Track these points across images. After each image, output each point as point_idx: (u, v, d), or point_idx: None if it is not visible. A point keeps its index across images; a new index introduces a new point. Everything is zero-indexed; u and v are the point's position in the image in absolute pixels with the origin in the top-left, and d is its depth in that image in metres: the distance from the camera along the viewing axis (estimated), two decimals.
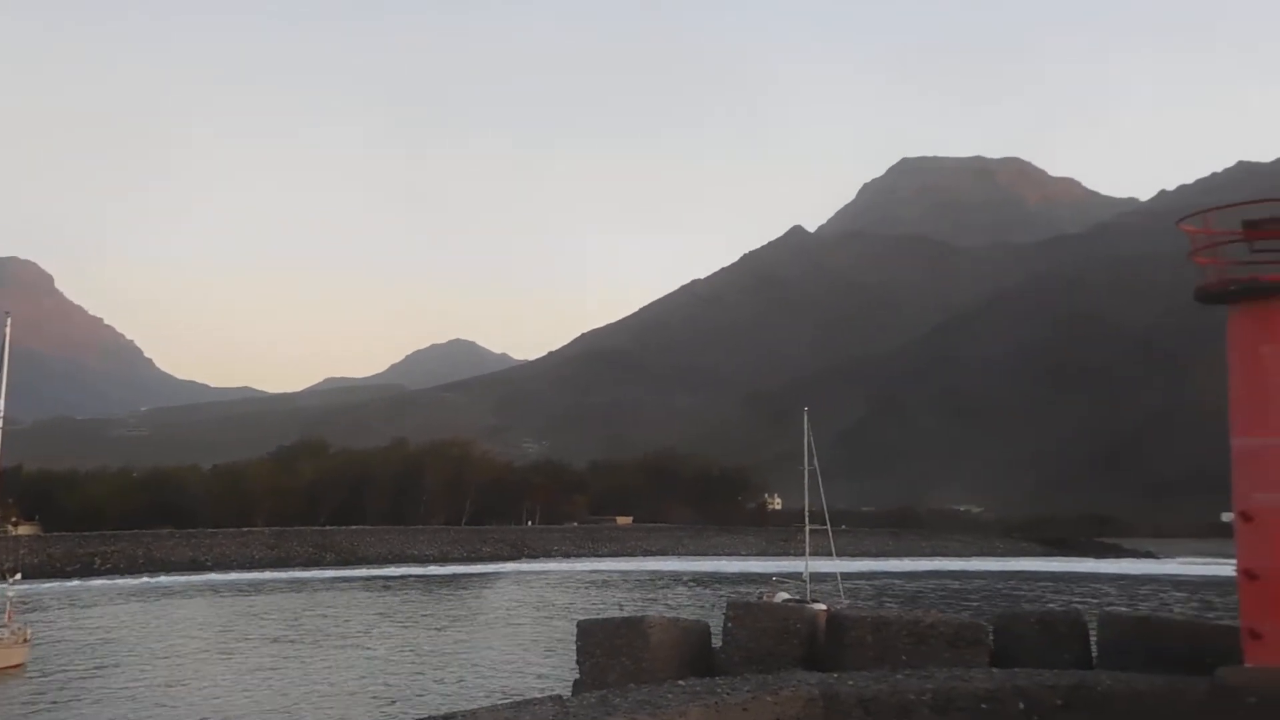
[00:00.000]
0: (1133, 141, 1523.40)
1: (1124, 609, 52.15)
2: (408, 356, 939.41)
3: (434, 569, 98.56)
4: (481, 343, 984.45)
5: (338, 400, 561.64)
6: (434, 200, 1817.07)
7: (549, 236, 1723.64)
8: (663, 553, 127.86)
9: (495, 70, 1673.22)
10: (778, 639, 15.47)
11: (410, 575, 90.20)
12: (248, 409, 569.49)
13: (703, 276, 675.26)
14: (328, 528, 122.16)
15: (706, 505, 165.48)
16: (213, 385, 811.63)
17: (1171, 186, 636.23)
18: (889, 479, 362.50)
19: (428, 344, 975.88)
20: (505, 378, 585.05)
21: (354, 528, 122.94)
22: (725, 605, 16.40)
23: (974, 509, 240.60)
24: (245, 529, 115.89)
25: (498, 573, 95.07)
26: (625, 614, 18.34)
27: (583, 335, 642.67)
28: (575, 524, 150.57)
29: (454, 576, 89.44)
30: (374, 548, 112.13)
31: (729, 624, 15.80)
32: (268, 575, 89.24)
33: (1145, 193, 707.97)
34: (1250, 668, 13.51)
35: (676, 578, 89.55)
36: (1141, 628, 16.06)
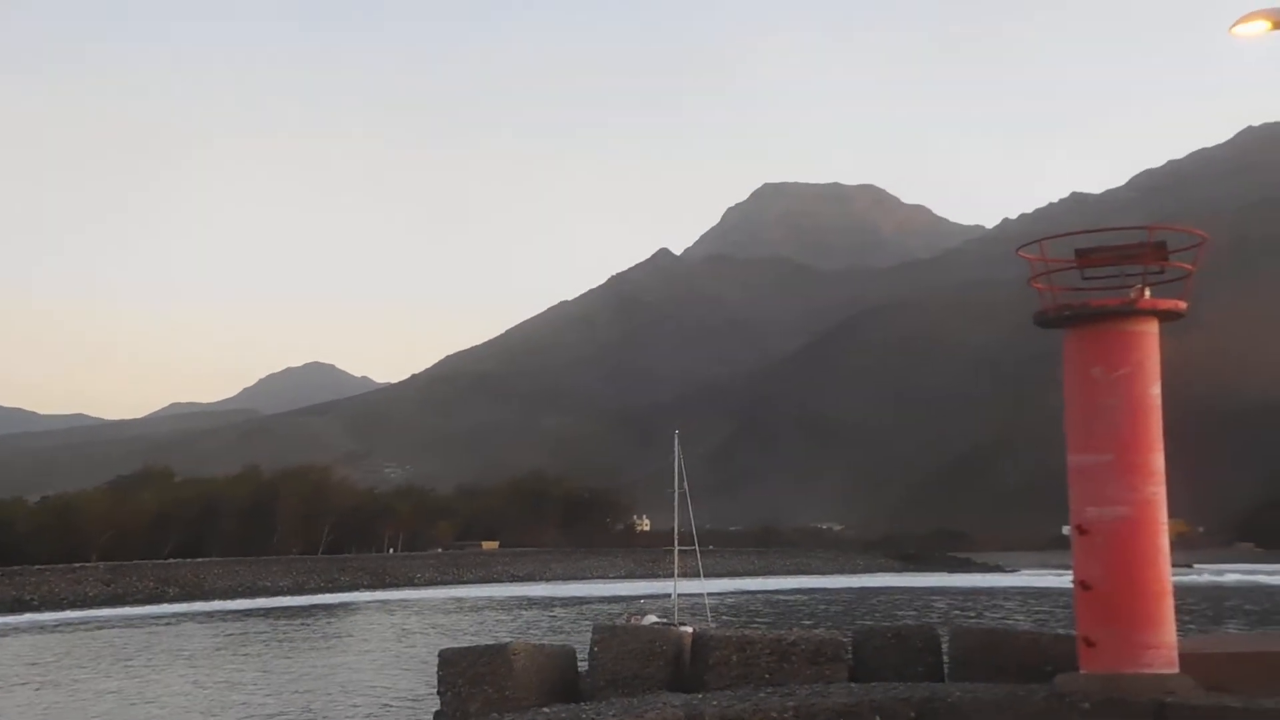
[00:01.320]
0: (977, 172, 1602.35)
1: (973, 622, 54.23)
2: (261, 380, 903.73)
3: (288, 600, 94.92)
4: (341, 365, 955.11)
5: (184, 426, 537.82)
6: (288, 218, 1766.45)
7: (411, 257, 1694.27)
8: (530, 577, 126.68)
9: (351, 79, 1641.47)
10: (643, 662, 15.49)
11: (262, 608, 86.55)
12: (82, 437, 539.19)
13: (571, 298, 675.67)
14: (171, 561, 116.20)
15: (575, 528, 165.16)
16: (41, 412, 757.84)
17: (1014, 215, 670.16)
18: (753, 499, 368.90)
19: (282, 367, 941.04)
20: (366, 401, 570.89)
21: (200, 560, 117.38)
22: (591, 629, 16.36)
23: (835, 527, 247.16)
24: (77, 565, 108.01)
25: (356, 602, 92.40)
26: (488, 641, 18.04)
27: (448, 357, 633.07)
28: (439, 550, 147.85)
29: (310, 607, 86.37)
30: (222, 580, 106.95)
31: (595, 648, 15.73)
32: (103, 613, 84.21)
33: (990, 220, 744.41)
34: (1085, 674, 14.23)
35: (543, 602, 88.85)
36: (988, 639, 16.75)
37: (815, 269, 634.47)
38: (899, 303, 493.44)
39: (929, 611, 74.39)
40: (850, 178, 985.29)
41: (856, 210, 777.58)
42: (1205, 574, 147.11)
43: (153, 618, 78.21)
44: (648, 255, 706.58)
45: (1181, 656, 14.27)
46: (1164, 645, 14.18)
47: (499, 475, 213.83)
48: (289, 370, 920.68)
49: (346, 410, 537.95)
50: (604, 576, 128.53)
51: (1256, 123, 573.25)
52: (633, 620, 40.55)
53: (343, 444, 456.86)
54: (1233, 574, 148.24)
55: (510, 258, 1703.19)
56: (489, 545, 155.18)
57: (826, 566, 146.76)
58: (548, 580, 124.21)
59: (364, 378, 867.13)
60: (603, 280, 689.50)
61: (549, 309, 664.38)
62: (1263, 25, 10.64)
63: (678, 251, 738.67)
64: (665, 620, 41.68)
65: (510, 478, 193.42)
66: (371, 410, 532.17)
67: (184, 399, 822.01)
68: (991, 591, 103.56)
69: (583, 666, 16.21)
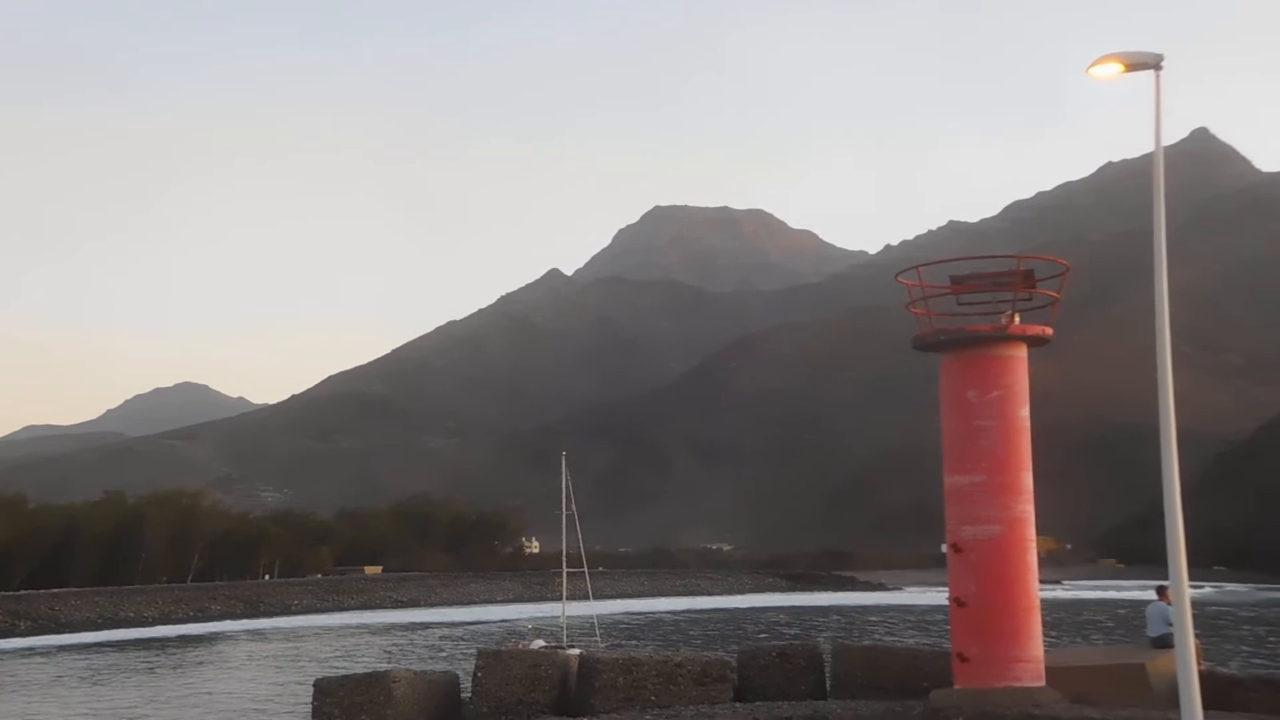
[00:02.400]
0: (862, 199, 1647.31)
1: (855, 640, 55.24)
2: (127, 402, 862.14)
3: (154, 631, 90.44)
4: (215, 386, 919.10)
5: (39, 450, 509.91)
6: (157, 227, 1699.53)
7: (292, 275, 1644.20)
8: (414, 603, 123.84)
9: (229, 103, 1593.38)
10: (528, 686, 15.36)
11: (124, 639, 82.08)
12: None
13: (459, 318, 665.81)
14: (22, 592, 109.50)
15: (462, 552, 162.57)
16: None
17: (895, 241, 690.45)
18: (644, 520, 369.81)
19: (151, 388, 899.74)
20: (242, 423, 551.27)
21: (56, 591, 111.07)
22: (476, 654, 16.09)
23: (724, 547, 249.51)
24: None
25: (228, 631, 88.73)
26: (367, 669, 17.57)
27: (330, 378, 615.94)
28: (319, 576, 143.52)
29: (177, 638, 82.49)
30: (80, 611, 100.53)
31: (478, 674, 15.53)
32: None
33: (874, 246, 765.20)
34: (959, 690, 14.66)
35: (427, 628, 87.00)
36: (869, 657, 17.15)
37: (705, 291, 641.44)
38: (787, 325, 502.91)
39: (814, 630, 75.55)
40: (739, 202, 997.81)
41: (745, 234, 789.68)
42: (1072, 589, 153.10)
43: (4, 651, 73.75)
44: (538, 276, 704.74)
45: (1047, 670, 14.83)
46: (1032, 659, 14.70)
47: (383, 499, 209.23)
48: (158, 391, 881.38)
49: (220, 432, 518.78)
50: (491, 600, 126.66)
51: (1116, 158, 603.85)
52: (520, 645, 40.10)
53: (216, 467, 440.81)
54: (1097, 590, 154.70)
55: (396, 277, 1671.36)
56: (372, 570, 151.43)
57: (715, 587, 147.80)
58: (432, 605, 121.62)
59: (240, 398, 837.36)
60: (492, 300, 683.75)
61: (436, 329, 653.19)
62: (1116, 68, 11.24)
63: (569, 272, 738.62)
64: (553, 644, 41.36)
65: (394, 501, 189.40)
66: (247, 432, 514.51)
67: (40, 421, 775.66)
68: (875, 610, 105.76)
69: (466, 694, 15.95)
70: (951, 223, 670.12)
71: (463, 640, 71.47)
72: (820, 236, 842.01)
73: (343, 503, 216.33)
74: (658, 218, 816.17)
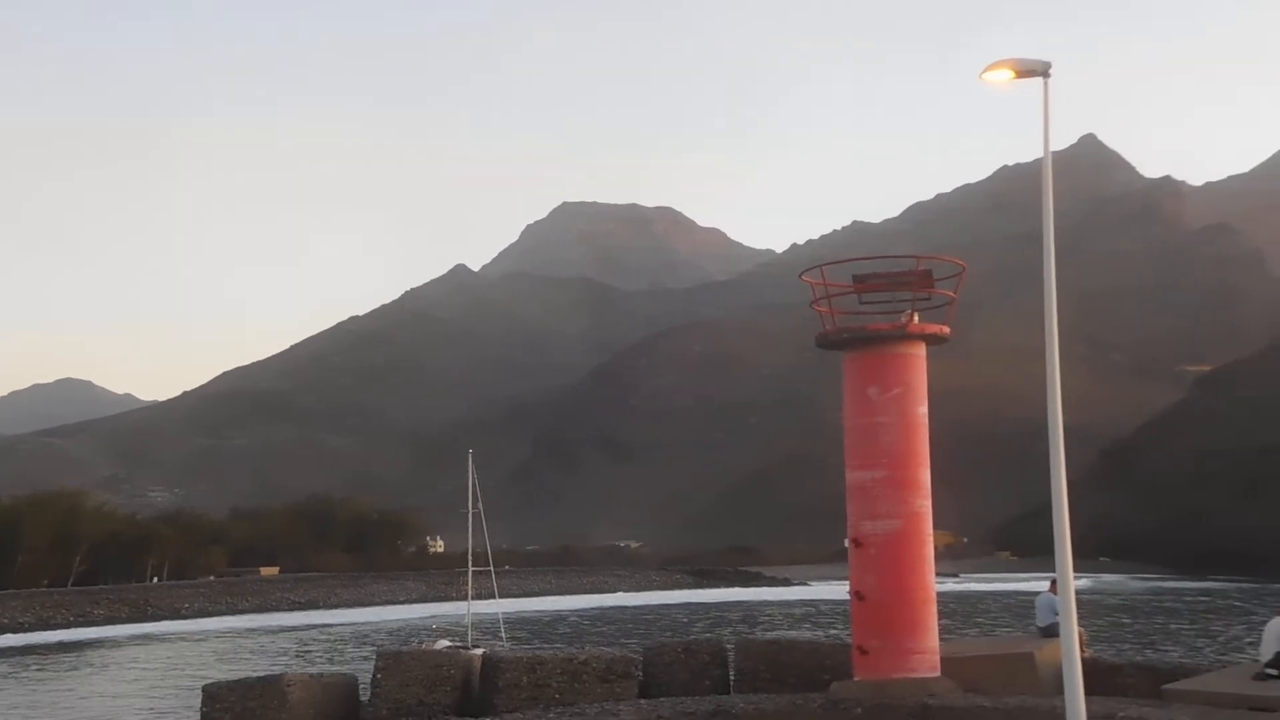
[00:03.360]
0: (768, 198, 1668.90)
1: (759, 634, 55.93)
2: (3, 398, 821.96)
3: (30, 637, 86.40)
4: (99, 381, 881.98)
5: None
6: (38, 219, 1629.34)
7: (183, 267, 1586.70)
8: (313, 604, 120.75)
9: (105, 96, 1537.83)
10: (429, 687, 15.16)
11: None
12: None
13: (362, 313, 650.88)
14: None
15: (364, 552, 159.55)
16: None
17: (801, 241, 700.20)
18: (553, 518, 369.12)
19: (29, 384, 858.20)
20: (129, 420, 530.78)
21: None
22: (375, 656, 15.83)
23: (633, 544, 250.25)
24: None
25: (113, 637, 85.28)
26: (260, 673, 17.09)
27: (224, 374, 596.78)
28: (211, 578, 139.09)
29: (56, 644, 79.08)
30: None
31: (378, 675, 15.28)
32: None
33: (780, 245, 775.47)
34: (858, 681, 14.95)
35: (326, 630, 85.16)
36: (771, 650, 17.36)
37: (615, 288, 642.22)
38: (696, 323, 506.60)
39: (719, 626, 76.27)
40: (648, 200, 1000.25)
41: (655, 232, 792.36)
42: (968, 582, 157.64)
43: None
44: (444, 271, 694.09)
45: (943, 661, 15.22)
46: (928, 650, 15.06)
47: (280, 498, 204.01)
48: (37, 387, 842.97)
49: (104, 430, 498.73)
50: (394, 601, 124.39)
51: (1011, 162, 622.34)
52: (423, 645, 39.55)
53: (100, 467, 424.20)
54: (991, 582, 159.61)
55: (296, 272, 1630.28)
56: (268, 571, 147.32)
57: (623, 584, 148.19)
58: (332, 607, 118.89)
59: (126, 395, 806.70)
60: (396, 296, 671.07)
61: (337, 325, 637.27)
62: (1007, 74, 11.51)
63: (475, 268, 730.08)
64: (457, 643, 40.88)
65: (292, 501, 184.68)
66: (134, 430, 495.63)
67: None
68: (780, 605, 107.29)
69: (366, 695, 15.67)
70: (855, 223, 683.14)
71: (363, 642, 70.20)
72: (728, 235, 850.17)
73: (237, 503, 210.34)
74: (567, 214, 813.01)
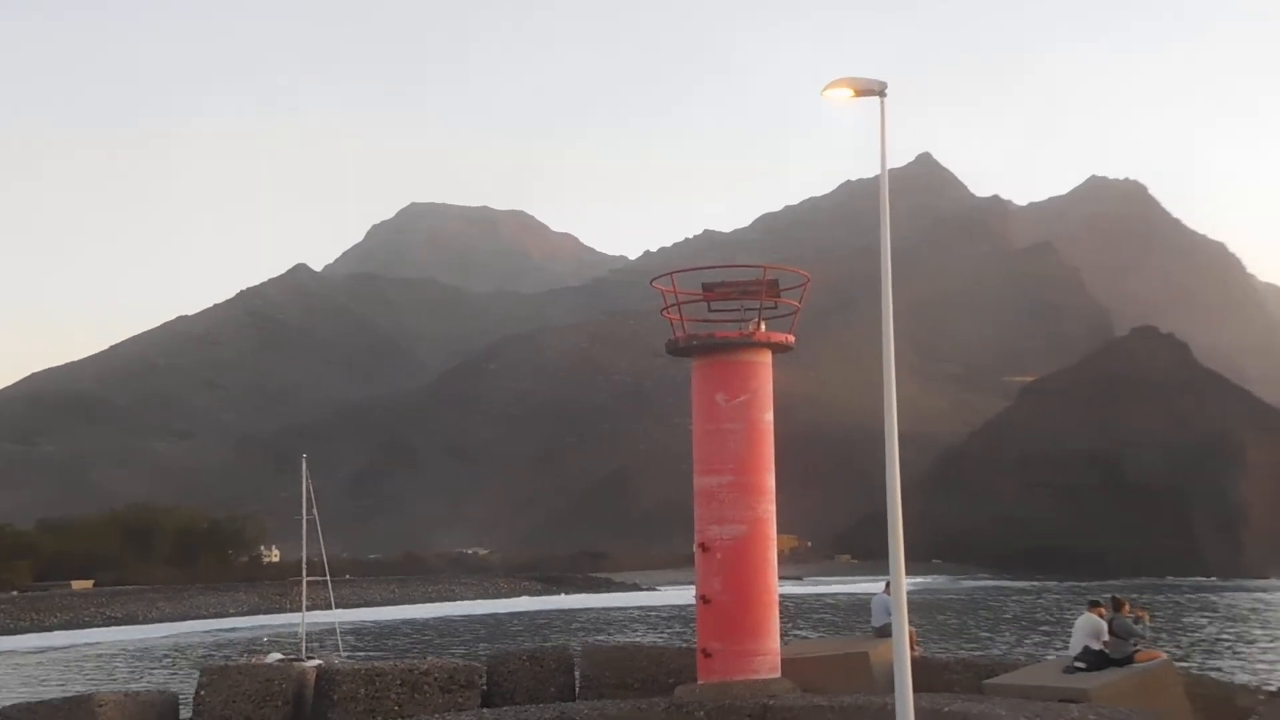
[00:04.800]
0: (621, 205, 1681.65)
1: (605, 640, 55.99)
2: None
3: None
4: None
5: None
6: None
7: None
8: (131, 619, 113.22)
9: None
10: (258, 703, 14.52)
11: None
12: None
13: (192, 313, 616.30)
14: None
15: (193, 562, 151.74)
16: None
17: (654, 248, 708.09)
18: (397, 526, 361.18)
19: None
20: None
21: None
22: (199, 672, 15.07)
23: (479, 551, 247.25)
24: None
25: None
26: (68, 694, 16.03)
27: (33, 375, 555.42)
28: (14, 593, 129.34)
29: None
30: None
31: (201, 691, 14.56)
32: None
33: (633, 252, 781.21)
34: (702, 685, 15.13)
35: (144, 646, 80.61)
36: (617, 656, 17.40)
37: (464, 291, 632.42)
38: (548, 328, 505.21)
39: (567, 632, 76.15)
40: (499, 203, 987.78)
41: (505, 235, 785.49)
42: (811, 585, 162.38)
43: None
44: (283, 270, 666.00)
45: (783, 662, 15.56)
46: (770, 652, 15.37)
47: (97, 506, 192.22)
48: None
49: None
50: (224, 614, 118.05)
51: (855, 177, 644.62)
52: (253, 659, 37.86)
53: None
54: (832, 584, 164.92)
55: (118, 268, 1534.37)
56: (80, 585, 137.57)
57: (469, 592, 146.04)
58: (154, 621, 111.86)
59: None
60: (230, 295, 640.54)
61: (163, 324, 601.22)
62: (847, 92, 11.85)
63: (318, 268, 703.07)
64: (289, 656, 39.32)
65: (110, 509, 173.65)
66: None
67: None
68: (629, 610, 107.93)
69: (188, 713, 14.89)
70: (707, 231, 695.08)
71: (186, 657, 66.77)
72: (581, 240, 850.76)
73: (47, 512, 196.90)
74: (414, 215, 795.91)
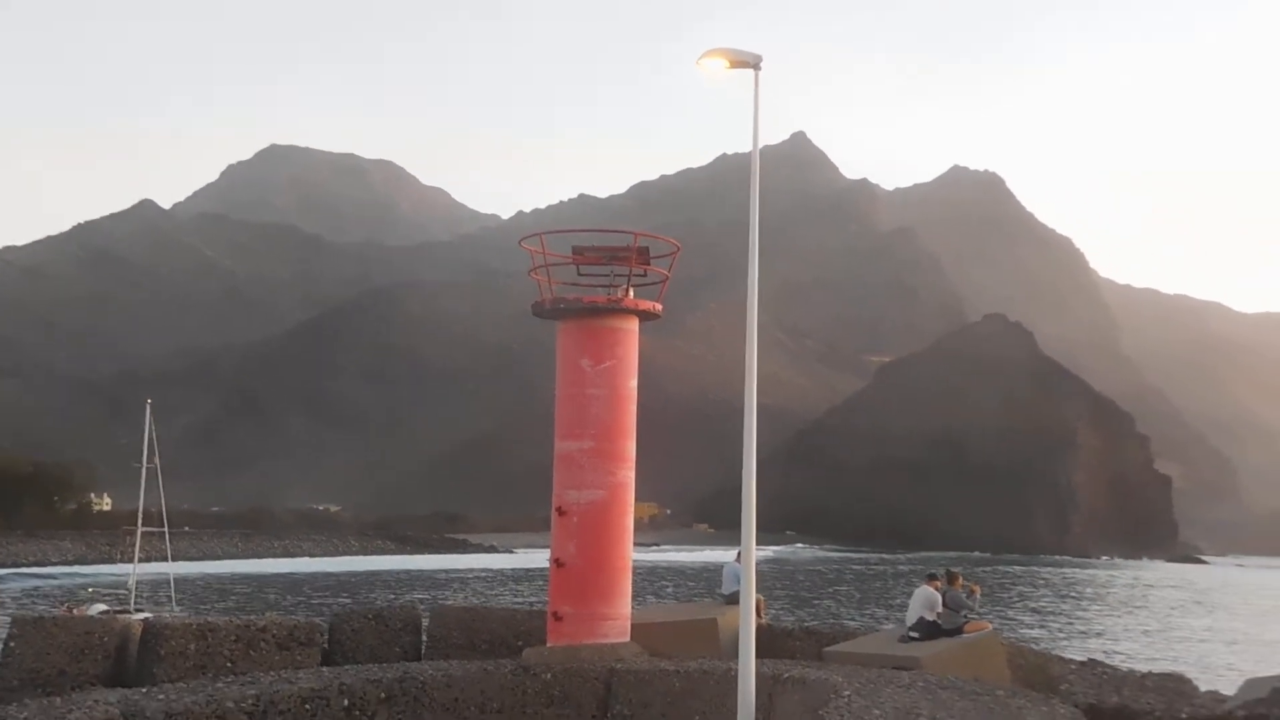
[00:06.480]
0: (496, 163, 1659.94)
1: (456, 601, 55.53)
2: None
3: None
4: None
5: None
6: None
7: None
8: None
9: None
10: (74, 656, 13.78)
11: None
12: None
13: (20, 244, 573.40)
14: None
15: (16, 509, 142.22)
16: None
17: (528, 209, 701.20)
18: (245, 478, 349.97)
19: None
20: None
21: None
22: (10, 621, 14.24)
23: (332, 508, 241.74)
24: None
25: None
26: None
27: None
28: None
29: None
30: None
31: (10, 643, 13.74)
32: None
33: (506, 211, 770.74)
34: (550, 647, 15.13)
35: None
36: (465, 617, 17.26)
37: (327, 241, 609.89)
38: (414, 283, 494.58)
39: (418, 592, 75.35)
40: (367, 151, 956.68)
41: (373, 185, 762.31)
42: (668, 552, 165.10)
43: None
44: (127, 206, 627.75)
45: (633, 626, 15.68)
46: (620, 617, 15.46)
47: None
48: None
49: None
50: (45, 562, 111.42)
51: (731, 151, 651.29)
52: (73, 610, 36.00)
53: None
54: (689, 551, 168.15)
55: None
56: None
57: (318, 549, 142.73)
58: None
59: None
60: (65, 228, 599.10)
61: None
62: (722, 63, 11.79)
63: (166, 205, 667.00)
64: (116, 609, 37.58)
65: None
66: None
67: None
68: (483, 572, 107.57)
69: None
70: (583, 196, 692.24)
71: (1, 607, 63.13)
72: (452, 195, 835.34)
73: None
74: (274, 157, 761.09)
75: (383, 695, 13.10)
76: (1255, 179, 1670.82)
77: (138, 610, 36.22)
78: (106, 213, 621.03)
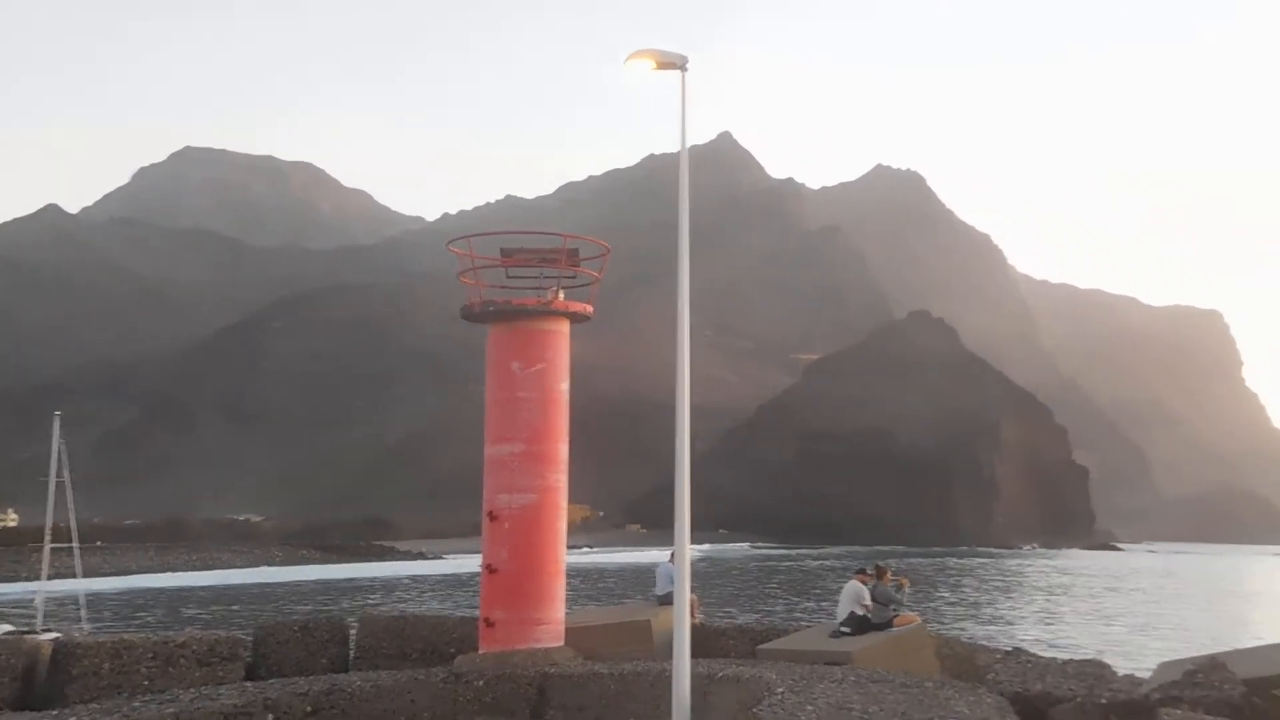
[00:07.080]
0: (420, 164, 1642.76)
1: (383, 610, 54.71)
2: None
3: None
4: None
5: None
6: None
7: None
8: None
9: None
10: None
11: None
12: None
13: None
14: None
15: None
16: None
17: (454, 210, 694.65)
18: (161, 489, 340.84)
19: None
20: None
21: None
22: None
23: (254, 518, 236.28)
24: None
25: None
26: None
27: None
28: None
29: None
30: None
31: None
32: None
33: (431, 214, 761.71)
34: (482, 654, 14.94)
35: None
36: (394, 626, 16.95)
37: (245, 244, 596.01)
38: (338, 286, 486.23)
39: (346, 601, 74.11)
40: (285, 153, 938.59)
41: (293, 187, 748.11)
42: (600, 554, 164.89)
43: None
44: (32, 210, 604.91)
45: (566, 630, 15.55)
46: (554, 621, 15.32)
47: None
48: None
49: None
50: None
51: (659, 151, 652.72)
52: None
53: None
54: (621, 553, 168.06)
55: None
56: None
57: (240, 560, 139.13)
58: None
59: None
60: None
61: None
62: (649, 63, 11.75)
63: (73, 210, 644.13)
64: (21, 629, 36.21)
65: None
66: None
67: None
68: (412, 579, 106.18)
69: None
70: (509, 197, 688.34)
71: None
72: (375, 198, 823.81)
73: None
74: (188, 160, 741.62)
75: (309, 709, 12.79)
76: (1164, 179, 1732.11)
77: (45, 630, 34.88)
78: (9, 217, 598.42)
